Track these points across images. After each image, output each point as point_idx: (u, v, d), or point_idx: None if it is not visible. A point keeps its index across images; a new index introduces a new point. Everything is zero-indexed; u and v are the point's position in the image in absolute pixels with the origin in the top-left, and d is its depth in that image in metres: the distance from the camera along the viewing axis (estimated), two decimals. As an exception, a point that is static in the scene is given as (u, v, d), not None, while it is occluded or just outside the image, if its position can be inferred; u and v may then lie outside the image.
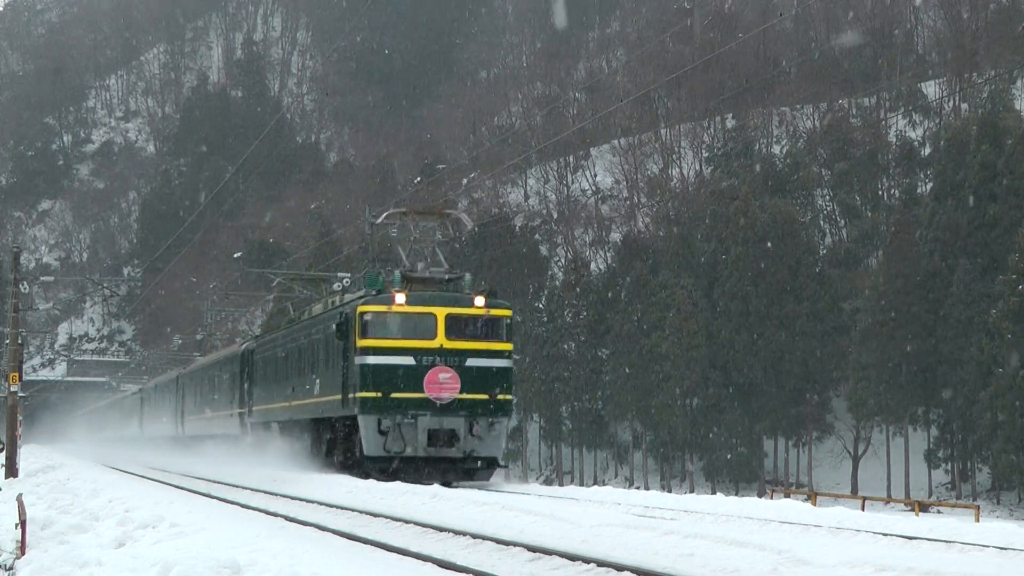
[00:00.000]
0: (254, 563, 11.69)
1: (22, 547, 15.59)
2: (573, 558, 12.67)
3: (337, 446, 30.12)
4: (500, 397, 27.85)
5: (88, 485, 26.85)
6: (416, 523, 17.02)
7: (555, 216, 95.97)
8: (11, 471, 37.71)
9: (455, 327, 27.69)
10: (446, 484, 25.68)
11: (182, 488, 29.11)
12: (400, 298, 27.68)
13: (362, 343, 27.61)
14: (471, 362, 27.60)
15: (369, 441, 27.10)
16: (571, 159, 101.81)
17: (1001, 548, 13.69)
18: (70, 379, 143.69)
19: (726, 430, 65.70)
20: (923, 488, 59.18)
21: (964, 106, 74.68)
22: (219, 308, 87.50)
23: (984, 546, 13.93)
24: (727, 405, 65.74)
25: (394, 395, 27.13)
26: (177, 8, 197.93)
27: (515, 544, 13.92)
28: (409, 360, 27.34)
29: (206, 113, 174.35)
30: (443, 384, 27.29)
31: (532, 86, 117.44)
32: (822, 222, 75.99)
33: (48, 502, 22.60)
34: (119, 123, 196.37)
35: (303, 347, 33.63)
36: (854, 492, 56.43)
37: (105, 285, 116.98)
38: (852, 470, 62.30)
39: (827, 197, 76.74)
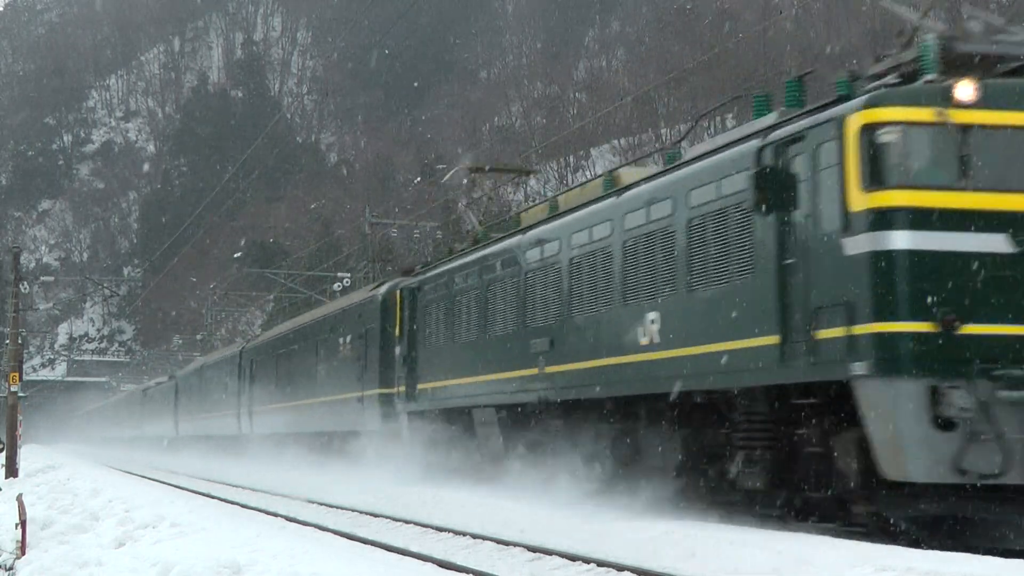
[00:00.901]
0: (254, 563, 11.67)
1: (22, 547, 15.59)
2: (573, 558, 12.67)
3: (745, 459, 14.19)
4: None
5: (88, 485, 26.83)
6: (416, 523, 17.02)
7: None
8: (11, 471, 37.67)
9: None
10: None
11: (182, 488, 29.14)
12: (965, 92, 12.28)
13: (878, 199, 12.08)
14: None
15: (907, 444, 11.78)
16: (571, 159, 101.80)
17: (1001, 548, 13.67)
18: (70, 379, 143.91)
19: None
20: (923, 488, 59.11)
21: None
22: (219, 308, 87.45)
23: (984, 546, 13.91)
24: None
25: (970, 329, 11.82)
26: (177, 8, 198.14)
27: (515, 544, 13.92)
28: (998, 243, 12.02)
29: (206, 113, 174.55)
30: None
31: (532, 86, 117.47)
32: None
33: (48, 502, 22.57)
34: (119, 123, 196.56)
35: (577, 260, 17.96)
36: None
37: (105, 285, 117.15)
38: (852, 470, 62.21)
39: (827, 197, 76.76)
